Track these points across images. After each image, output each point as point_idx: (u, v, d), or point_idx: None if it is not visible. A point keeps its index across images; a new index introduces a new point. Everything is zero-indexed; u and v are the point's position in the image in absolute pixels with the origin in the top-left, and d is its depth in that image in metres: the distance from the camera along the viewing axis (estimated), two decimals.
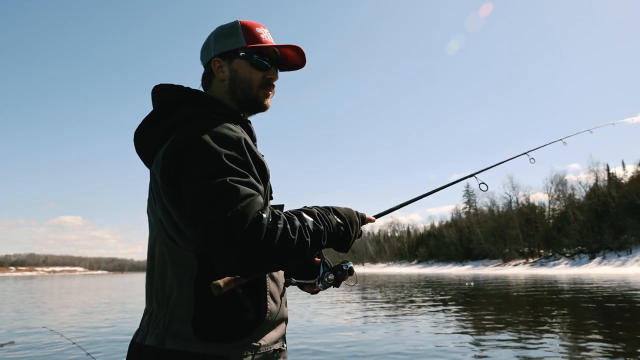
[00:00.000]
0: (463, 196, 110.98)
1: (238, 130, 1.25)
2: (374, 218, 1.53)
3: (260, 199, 1.14)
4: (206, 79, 1.47)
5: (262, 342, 1.27)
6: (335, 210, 1.32)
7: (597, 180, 79.52)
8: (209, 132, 1.19)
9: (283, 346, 1.37)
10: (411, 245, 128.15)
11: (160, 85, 1.41)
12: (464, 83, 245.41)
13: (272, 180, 1.38)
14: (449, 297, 21.61)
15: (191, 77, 1.52)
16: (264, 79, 1.43)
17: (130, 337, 1.34)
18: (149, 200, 1.36)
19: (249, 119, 1.47)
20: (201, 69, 1.52)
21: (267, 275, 1.31)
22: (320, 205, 1.32)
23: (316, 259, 1.44)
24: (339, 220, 1.29)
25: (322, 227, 1.21)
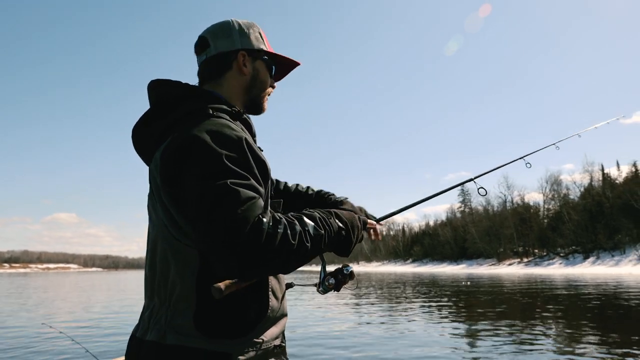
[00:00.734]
0: (458, 195, 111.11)
1: (239, 129, 1.23)
2: (375, 222, 1.52)
3: (261, 202, 1.13)
4: (219, 68, 1.41)
5: (264, 338, 1.26)
6: (336, 214, 1.30)
7: (591, 180, 79.92)
8: (209, 131, 1.16)
9: (283, 342, 1.37)
10: (406, 244, 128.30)
11: (157, 80, 1.36)
12: (462, 83, 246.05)
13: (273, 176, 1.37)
14: (446, 296, 21.65)
15: (186, 74, 1.49)
16: (271, 85, 1.49)
17: (128, 333, 1.32)
18: (149, 196, 1.33)
19: (248, 116, 1.47)
20: (194, 61, 1.48)
21: None
22: (322, 209, 1.30)
23: None
24: (340, 225, 1.27)
25: (322, 232, 1.19)
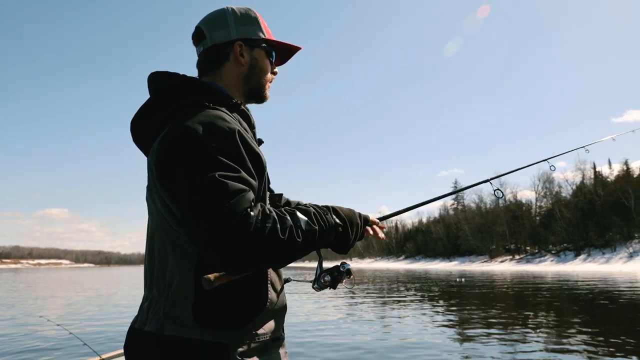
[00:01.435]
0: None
1: (233, 121, 1.21)
2: (377, 220, 1.49)
3: (251, 195, 1.11)
4: (216, 60, 1.40)
5: (262, 330, 1.25)
6: (335, 210, 1.27)
7: (583, 178, 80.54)
8: (201, 123, 1.16)
9: (282, 335, 1.35)
10: (399, 240, 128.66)
11: (157, 72, 1.37)
12: (458, 83, 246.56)
13: (270, 171, 1.33)
14: (440, 294, 21.77)
15: (187, 66, 1.52)
16: (271, 71, 1.47)
17: (125, 326, 1.32)
18: (147, 188, 1.33)
19: (247, 106, 1.45)
20: (191, 53, 1.47)
21: None
22: (320, 204, 1.28)
23: None
24: (337, 221, 1.24)
25: (316, 227, 1.16)
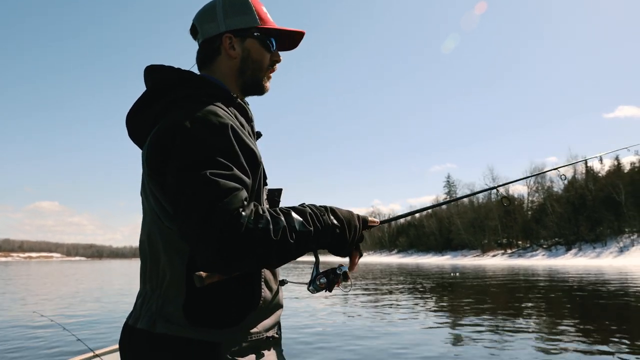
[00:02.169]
0: (444, 187, 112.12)
1: (227, 116, 1.18)
2: (377, 221, 1.38)
3: (244, 193, 1.07)
4: (209, 55, 1.37)
5: (256, 329, 1.23)
6: (333, 211, 1.21)
7: (575, 173, 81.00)
8: (194, 118, 1.13)
9: (277, 334, 1.32)
10: (391, 234, 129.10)
11: (152, 66, 1.33)
12: (453, 78, 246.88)
13: (264, 164, 1.29)
14: (435, 288, 21.83)
15: (189, 61, 1.44)
16: (270, 60, 1.39)
17: (118, 322, 1.33)
18: (142, 183, 1.30)
19: (245, 100, 1.40)
20: (191, 46, 1.44)
21: None
22: (318, 205, 1.22)
23: None
24: (335, 222, 1.18)
25: (311, 228, 1.12)
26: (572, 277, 28.29)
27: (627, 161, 77.10)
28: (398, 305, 14.04)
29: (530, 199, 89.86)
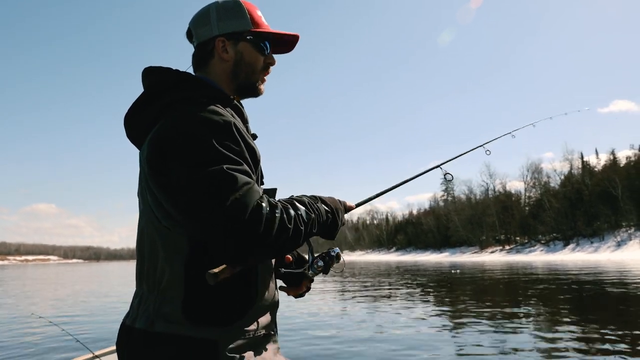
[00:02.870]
0: (441, 184, 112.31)
1: (227, 114, 1.21)
2: (354, 205, 1.50)
3: (257, 186, 1.13)
4: (203, 58, 1.39)
5: (252, 326, 1.26)
6: (321, 199, 1.32)
7: (571, 168, 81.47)
8: (198, 118, 1.16)
9: (273, 331, 1.35)
10: (390, 232, 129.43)
11: (150, 67, 1.35)
12: (450, 74, 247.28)
13: (263, 164, 1.34)
14: (436, 285, 21.85)
15: (170, 62, 1.41)
16: (264, 63, 1.41)
17: (117, 324, 1.31)
18: (139, 184, 1.31)
19: (240, 101, 1.42)
20: (187, 48, 1.46)
21: None
22: (308, 194, 1.31)
23: (287, 255, 1.43)
24: (326, 209, 1.29)
25: (313, 216, 1.21)
26: (570, 272, 28.38)
27: (622, 155, 77.63)
28: (397, 303, 14.03)
29: (527, 194, 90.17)
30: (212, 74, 1.38)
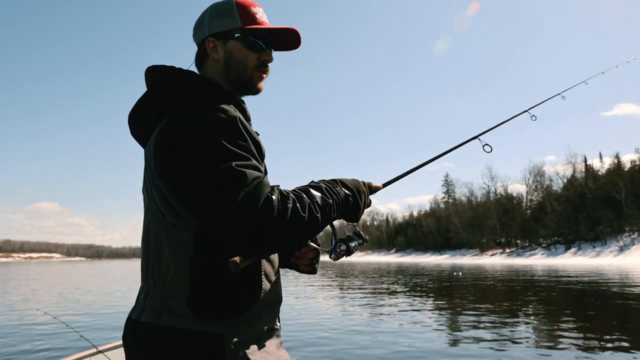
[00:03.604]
0: (442, 186, 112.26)
1: (232, 109, 1.22)
2: (381, 185, 1.54)
3: (267, 179, 1.14)
4: (199, 58, 1.43)
5: (256, 321, 1.28)
6: (342, 182, 1.33)
7: (574, 171, 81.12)
8: (205, 114, 1.17)
9: (277, 325, 1.37)
10: (390, 234, 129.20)
11: (153, 66, 1.38)
12: (448, 78, 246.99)
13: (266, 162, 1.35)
14: (438, 288, 21.85)
15: (174, 62, 1.49)
16: (259, 60, 1.40)
17: (121, 318, 1.35)
18: (144, 180, 1.34)
19: (242, 99, 1.44)
20: (193, 48, 1.48)
21: None
22: (327, 179, 1.33)
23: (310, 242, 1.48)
24: (347, 192, 1.30)
25: (330, 201, 1.22)
26: (572, 276, 28.32)
27: (626, 159, 77.16)
28: (397, 304, 14.06)
29: (529, 197, 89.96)
30: (208, 73, 1.41)
